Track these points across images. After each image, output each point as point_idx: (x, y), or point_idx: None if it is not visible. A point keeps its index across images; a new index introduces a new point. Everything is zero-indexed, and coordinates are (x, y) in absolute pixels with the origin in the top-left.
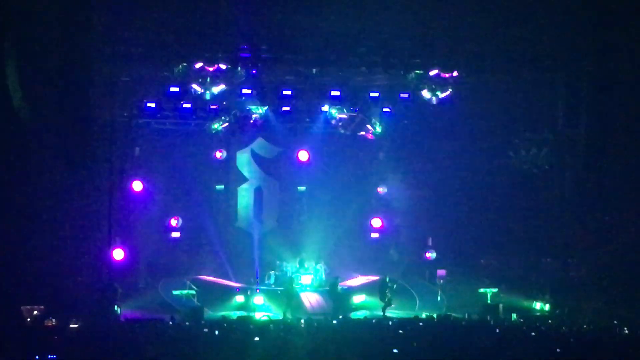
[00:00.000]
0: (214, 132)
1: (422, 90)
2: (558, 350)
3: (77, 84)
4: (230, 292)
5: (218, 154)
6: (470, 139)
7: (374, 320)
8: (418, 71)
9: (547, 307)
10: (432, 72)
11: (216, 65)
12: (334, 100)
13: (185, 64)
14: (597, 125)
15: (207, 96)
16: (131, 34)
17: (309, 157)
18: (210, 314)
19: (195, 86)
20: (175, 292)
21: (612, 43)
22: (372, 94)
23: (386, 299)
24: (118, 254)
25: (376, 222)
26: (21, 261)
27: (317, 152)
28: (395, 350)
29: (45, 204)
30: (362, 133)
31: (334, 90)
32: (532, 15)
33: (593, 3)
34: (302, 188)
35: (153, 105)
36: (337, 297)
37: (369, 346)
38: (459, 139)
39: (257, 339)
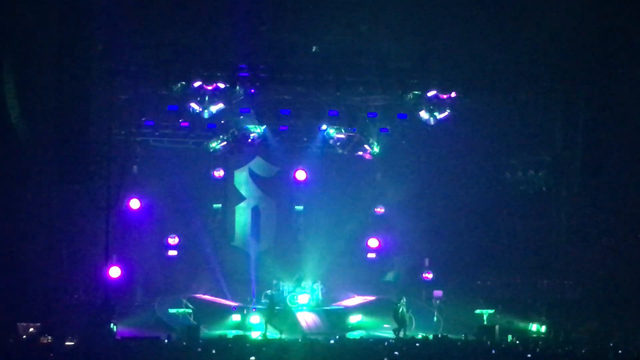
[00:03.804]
0: (211, 150)
1: (420, 110)
2: None
3: (75, 101)
4: (227, 311)
5: (216, 173)
6: (467, 160)
7: (370, 340)
8: (416, 92)
9: (543, 328)
10: (430, 93)
11: (215, 84)
12: (331, 120)
13: (183, 83)
14: (593, 147)
15: (206, 115)
16: (130, 52)
17: (306, 176)
18: (207, 332)
19: (193, 105)
20: (171, 311)
21: (608, 65)
22: (370, 114)
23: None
24: (114, 272)
25: (373, 242)
26: (17, 278)
27: (315, 171)
28: None
29: (42, 221)
30: (360, 153)
31: (331, 110)
32: (530, 37)
33: (589, 25)
34: (299, 207)
35: (151, 123)
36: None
37: None
38: (457, 160)
39: (253, 358)
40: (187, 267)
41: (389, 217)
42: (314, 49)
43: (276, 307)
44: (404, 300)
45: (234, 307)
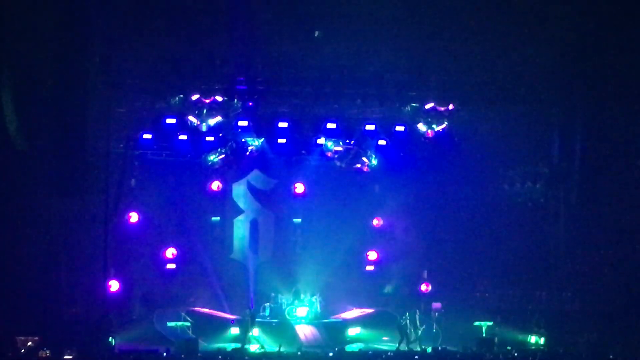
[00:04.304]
0: (209, 163)
1: (417, 123)
2: None
3: (73, 114)
4: (225, 324)
5: (214, 186)
6: (465, 172)
7: (369, 353)
8: (414, 104)
9: (542, 340)
10: (428, 105)
11: (212, 97)
12: (329, 133)
13: (181, 96)
14: (591, 158)
15: (204, 128)
16: (128, 65)
17: (304, 189)
18: (205, 345)
19: (191, 118)
20: (170, 324)
21: (606, 76)
22: (367, 127)
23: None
24: (113, 285)
25: (371, 255)
26: (16, 291)
27: (313, 184)
28: None
29: (41, 234)
30: (358, 165)
31: (329, 122)
32: (528, 48)
33: (588, 37)
34: (297, 220)
35: (149, 136)
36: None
37: None
38: (455, 172)
39: None
40: (186, 280)
41: (387, 230)
42: (316, 34)
43: (257, 321)
44: (418, 314)
45: (233, 320)
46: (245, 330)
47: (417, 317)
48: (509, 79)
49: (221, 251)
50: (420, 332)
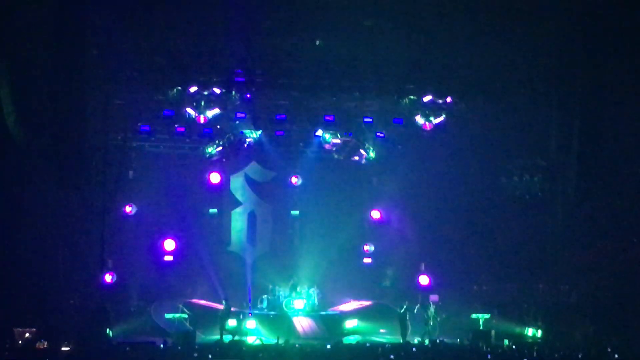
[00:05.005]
0: (207, 155)
1: (415, 115)
2: None
3: (71, 106)
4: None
5: (212, 178)
6: (463, 165)
7: (367, 345)
8: (412, 96)
9: (539, 333)
10: (426, 98)
11: (210, 89)
12: (327, 125)
13: (179, 88)
14: (589, 151)
15: (201, 120)
16: (126, 57)
17: (302, 181)
18: (203, 337)
19: (189, 110)
20: (167, 316)
21: (605, 70)
22: (365, 119)
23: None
24: (110, 277)
25: (369, 247)
26: (13, 283)
27: (311, 176)
28: None
29: (39, 226)
30: (356, 158)
31: (327, 115)
32: (526, 41)
33: (586, 30)
34: (295, 212)
35: (147, 128)
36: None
37: None
38: (452, 165)
39: None
40: (183, 272)
41: (385, 222)
42: (317, 42)
43: (232, 312)
44: (432, 306)
45: None
46: (223, 320)
47: (432, 309)
48: (507, 72)
49: (219, 243)
50: (436, 323)
